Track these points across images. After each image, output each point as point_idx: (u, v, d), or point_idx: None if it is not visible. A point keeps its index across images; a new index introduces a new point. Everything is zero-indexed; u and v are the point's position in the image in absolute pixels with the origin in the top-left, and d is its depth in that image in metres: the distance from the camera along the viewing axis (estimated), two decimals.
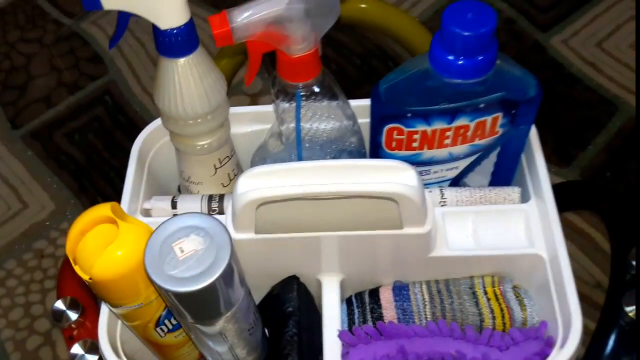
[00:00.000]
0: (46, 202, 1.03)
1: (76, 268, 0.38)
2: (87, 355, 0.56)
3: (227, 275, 0.36)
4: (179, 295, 0.36)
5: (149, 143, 0.54)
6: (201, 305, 0.37)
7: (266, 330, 0.49)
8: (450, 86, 0.44)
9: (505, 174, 0.53)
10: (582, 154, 0.74)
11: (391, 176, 0.42)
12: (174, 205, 0.50)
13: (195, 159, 0.51)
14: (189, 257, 0.36)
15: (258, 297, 0.52)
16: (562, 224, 0.47)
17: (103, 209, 0.38)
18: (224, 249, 0.36)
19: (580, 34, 0.94)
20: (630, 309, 0.57)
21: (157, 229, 0.37)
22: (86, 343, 0.56)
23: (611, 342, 0.57)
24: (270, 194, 0.43)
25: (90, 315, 0.60)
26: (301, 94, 0.45)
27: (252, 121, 0.56)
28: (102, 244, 0.37)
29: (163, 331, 0.44)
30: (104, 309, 0.45)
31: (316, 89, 0.45)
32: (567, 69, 0.91)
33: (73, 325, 0.59)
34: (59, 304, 0.58)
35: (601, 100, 0.84)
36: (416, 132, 0.47)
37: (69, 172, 1.06)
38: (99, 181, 1.06)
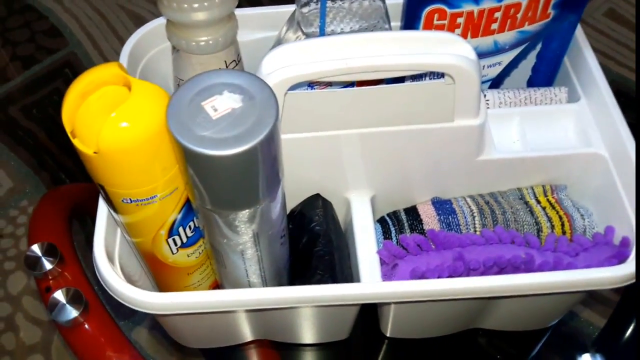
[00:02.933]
0: (3, 179, 0.94)
1: (75, 142, 0.30)
2: (69, 306, 0.47)
3: (271, 142, 0.29)
4: (213, 163, 0.28)
5: (142, 47, 0.46)
6: (237, 181, 0.30)
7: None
8: None
9: (547, 75, 0.47)
10: None
11: (447, 48, 0.36)
12: None
13: (197, 61, 0.43)
14: (225, 116, 0.28)
15: None
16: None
17: (109, 67, 0.30)
18: (268, 110, 0.29)
19: None
20: None
21: (181, 85, 0.29)
22: (69, 292, 0.47)
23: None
24: (305, 72, 0.35)
25: (70, 265, 0.51)
26: None
27: (260, 27, 0.49)
28: (110, 108, 0.29)
29: (176, 244, 0.36)
30: (102, 215, 0.36)
31: None
32: None
33: (49, 276, 0.50)
34: (35, 249, 0.49)
35: None
36: (461, 14, 0.41)
37: (27, 147, 0.98)
38: (59, 156, 0.97)
